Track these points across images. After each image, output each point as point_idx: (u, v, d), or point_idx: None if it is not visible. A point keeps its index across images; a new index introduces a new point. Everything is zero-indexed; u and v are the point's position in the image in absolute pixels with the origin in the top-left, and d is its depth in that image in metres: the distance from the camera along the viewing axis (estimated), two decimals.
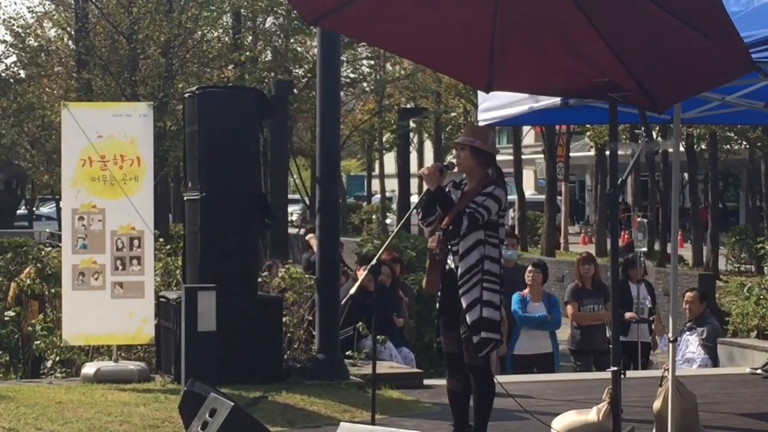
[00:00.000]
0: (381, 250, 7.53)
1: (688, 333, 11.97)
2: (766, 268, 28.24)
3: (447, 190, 7.18)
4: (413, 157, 46.09)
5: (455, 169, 7.24)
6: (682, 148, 29.77)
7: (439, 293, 7.29)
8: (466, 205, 6.99)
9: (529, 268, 11.63)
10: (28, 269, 13.68)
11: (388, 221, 45.06)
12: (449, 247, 7.10)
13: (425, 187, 7.26)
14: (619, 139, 6.88)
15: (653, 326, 12.35)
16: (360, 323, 10.66)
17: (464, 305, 6.96)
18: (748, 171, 40.56)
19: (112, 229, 9.93)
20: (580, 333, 11.73)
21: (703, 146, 32.81)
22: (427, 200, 7.20)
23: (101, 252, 9.90)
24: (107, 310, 9.85)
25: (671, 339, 7.61)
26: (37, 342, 10.72)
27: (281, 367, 9.76)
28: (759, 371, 10.93)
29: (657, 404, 7.57)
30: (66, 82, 30.16)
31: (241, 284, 9.73)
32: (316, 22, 6.83)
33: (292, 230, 37.21)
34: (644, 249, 14.14)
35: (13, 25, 31.81)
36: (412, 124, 41.15)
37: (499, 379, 7.64)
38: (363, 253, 14.28)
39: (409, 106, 40.52)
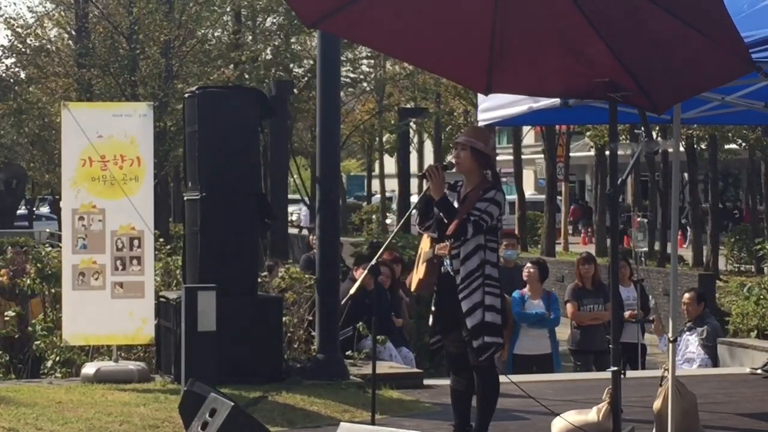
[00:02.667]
0: (381, 251, 7.52)
1: (687, 333, 11.96)
2: (765, 268, 28.24)
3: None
4: (413, 157, 46.07)
5: (454, 169, 7.22)
6: (682, 148, 29.77)
7: (434, 295, 7.28)
8: (469, 211, 6.97)
9: (527, 264, 11.65)
10: (3, 270, 13.69)
11: (388, 221, 45.06)
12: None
13: (425, 187, 7.26)
14: (619, 139, 6.87)
15: (653, 326, 12.36)
16: (360, 323, 10.67)
17: (464, 309, 6.95)
18: (748, 171, 40.57)
19: (112, 229, 9.93)
20: (580, 333, 11.73)
21: (703, 146, 32.82)
22: (424, 204, 7.20)
23: (101, 252, 9.91)
24: (107, 310, 9.86)
25: (671, 339, 7.60)
26: (37, 342, 10.72)
27: (281, 367, 9.76)
28: (759, 371, 10.93)
29: (657, 404, 7.56)
30: (66, 82, 30.16)
31: (241, 284, 9.74)
32: (315, 25, 6.83)
33: (291, 230, 37.23)
34: (645, 249, 14.13)
35: (14, 25, 31.79)
36: (412, 124, 41.12)
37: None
38: (360, 252, 14.28)
39: (409, 106, 40.50)
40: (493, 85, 6.93)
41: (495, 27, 6.26)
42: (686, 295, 12.10)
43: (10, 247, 15.28)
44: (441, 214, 7.09)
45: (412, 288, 7.63)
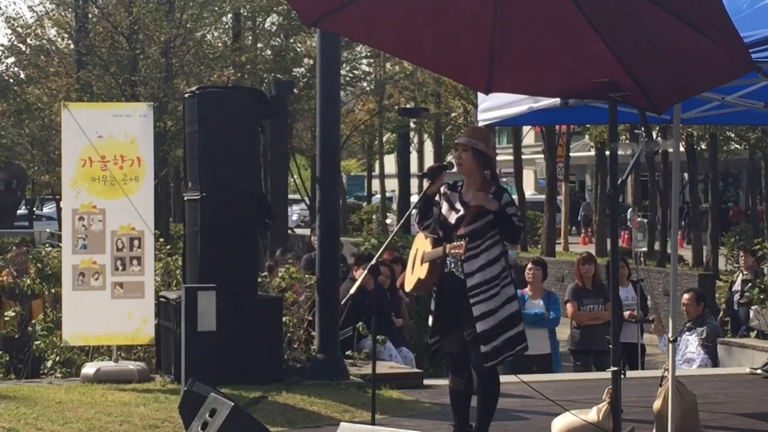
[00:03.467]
0: (381, 251, 7.52)
1: (687, 333, 11.97)
2: (765, 268, 28.21)
3: (443, 191, 7.19)
4: (413, 157, 46.06)
5: (454, 169, 7.23)
6: (682, 148, 29.77)
7: (434, 294, 7.27)
8: (505, 215, 6.98)
9: (529, 265, 11.65)
10: (5, 271, 13.69)
11: (388, 221, 45.04)
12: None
13: (425, 186, 7.27)
14: (619, 139, 6.87)
15: (653, 326, 12.36)
16: (360, 323, 10.67)
17: (476, 313, 6.93)
18: (748, 171, 40.57)
19: (112, 229, 9.93)
20: (580, 333, 11.73)
21: (703, 146, 32.82)
22: (424, 203, 7.21)
23: (101, 252, 9.91)
24: (107, 311, 9.86)
25: (671, 339, 7.60)
26: (37, 342, 10.72)
27: (281, 367, 9.77)
28: (759, 371, 10.93)
29: (657, 404, 7.57)
30: (66, 82, 30.16)
31: (241, 284, 9.73)
32: (316, 24, 6.83)
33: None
34: (644, 249, 14.14)
35: (14, 24, 31.80)
36: (412, 124, 41.09)
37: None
38: (360, 252, 14.28)
39: (409, 106, 40.49)
40: (494, 84, 6.93)
41: (495, 26, 6.26)
42: (685, 296, 12.10)
43: (14, 247, 15.28)
44: (444, 212, 7.09)
45: (408, 288, 7.56)
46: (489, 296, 6.94)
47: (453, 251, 6.96)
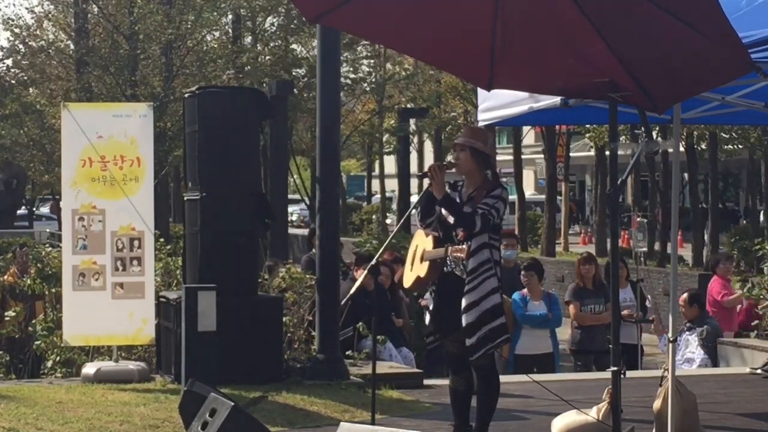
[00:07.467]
0: (381, 251, 7.52)
1: (687, 333, 11.97)
2: (765, 268, 28.21)
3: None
4: (413, 157, 46.06)
5: (454, 170, 7.21)
6: (682, 148, 29.78)
7: (432, 294, 7.26)
8: (477, 206, 6.95)
9: (523, 273, 11.57)
10: (11, 269, 13.70)
11: (388, 221, 45.05)
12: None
13: (425, 186, 7.25)
14: (619, 139, 6.87)
15: (653, 326, 12.36)
16: (360, 323, 10.67)
17: (464, 305, 6.93)
18: (748, 171, 40.58)
19: (112, 229, 9.94)
20: (581, 333, 11.73)
21: (703, 146, 32.83)
22: (426, 201, 7.18)
23: (101, 252, 9.91)
24: (107, 311, 9.86)
25: (671, 339, 7.60)
26: (37, 342, 10.72)
27: (281, 367, 9.77)
28: (759, 371, 10.93)
29: (657, 404, 7.57)
30: (66, 83, 30.15)
31: (241, 284, 9.74)
32: (318, 20, 6.83)
33: (291, 230, 37.14)
34: (644, 249, 14.14)
35: (13, 26, 31.79)
36: (412, 126, 41.09)
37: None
38: (360, 252, 14.29)
39: (409, 106, 40.49)
40: (495, 81, 6.93)
41: (495, 25, 6.26)
42: (681, 297, 12.09)
43: (18, 248, 15.30)
44: (444, 213, 7.07)
45: (407, 285, 7.51)
46: (470, 288, 6.91)
47: (455, 254, 6.95)
